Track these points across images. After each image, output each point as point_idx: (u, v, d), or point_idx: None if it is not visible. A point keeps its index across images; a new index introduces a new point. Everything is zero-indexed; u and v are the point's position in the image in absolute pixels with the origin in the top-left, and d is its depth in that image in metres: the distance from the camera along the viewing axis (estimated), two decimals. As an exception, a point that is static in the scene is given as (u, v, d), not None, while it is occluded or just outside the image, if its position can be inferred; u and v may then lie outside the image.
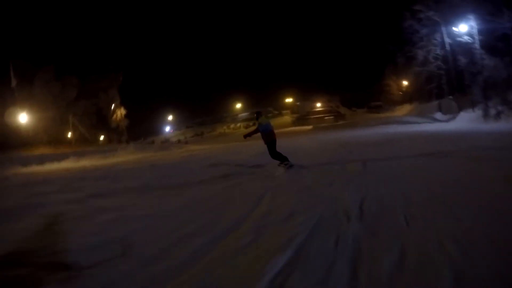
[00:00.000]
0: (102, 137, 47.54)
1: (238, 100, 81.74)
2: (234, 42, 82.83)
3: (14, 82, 33.09)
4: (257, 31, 79.45)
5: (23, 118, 34.43)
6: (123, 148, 28.05)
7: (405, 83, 47.67)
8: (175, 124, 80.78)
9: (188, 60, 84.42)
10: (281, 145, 9.09)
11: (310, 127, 46.07)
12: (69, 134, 41.13)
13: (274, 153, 8.36)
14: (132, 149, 27.09)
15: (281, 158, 8.28)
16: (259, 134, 8.81)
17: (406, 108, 39.20)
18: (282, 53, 76.78)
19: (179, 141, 51.56)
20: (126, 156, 23.87)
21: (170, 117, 77.23)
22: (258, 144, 11.84)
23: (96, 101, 45.95)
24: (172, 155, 20.75)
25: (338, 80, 63.25)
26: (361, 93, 58.24)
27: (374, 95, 55.34)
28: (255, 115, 9.00)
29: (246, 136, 9.17)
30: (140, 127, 71.70)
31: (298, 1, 75.67)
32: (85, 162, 21.64)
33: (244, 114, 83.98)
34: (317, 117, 56.67)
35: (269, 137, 8.43)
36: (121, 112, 49.33)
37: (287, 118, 68.35)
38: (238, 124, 76.28)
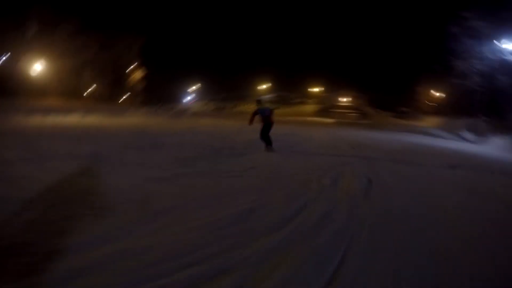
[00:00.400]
0: (122, 97, 47.64)
1: (265, 81, 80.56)
2: (271, 21, 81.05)
3: (32, 30, 32.86)
4: (299, 13, 77.29)
5: (38, 67, 34.01)
6: (134, 109, 27.69)
7: (436, 94, 46.00)
8: (199, 95, 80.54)
9: (221, 32, 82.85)
10: (293, 132, 11.84)
11: (332, 120, 45.15)
12: (84, 89, 40.99)
13: (264, 136, 9.38)
14: (144, 112, 26.64)
15: (267, 142, 9.33)
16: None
17: (432, 120, 37.65)
18: (317, 40, 74.85)
19: (196, 112, 51.57)
20: (134, 118, 23.59)
21: (194, 87, 76.78)
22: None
23: (116, 59, 45.16)
24: (175, 125, 19.80)
25: (369, 78, 61.22)
26: (390, 96, 56.22)
27: (403, 100, 53.40)
28: (256, 102, 10.53)
29: (250, 123, 9.87)
30: (161, 92, 72.08)
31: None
32: (92, 119, 21.33)
33: (268, 96, 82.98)
34: (341, 112, 55.47)
35: (265, 121, 9.43)
36: (139, 73, 48.96)
37: (311, 107, 67.11)
38: (261, 105, 75.41)
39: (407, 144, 15.29)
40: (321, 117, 53.67)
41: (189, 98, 77.29)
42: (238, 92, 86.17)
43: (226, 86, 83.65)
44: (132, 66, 47.95)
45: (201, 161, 7.56)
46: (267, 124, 9.41)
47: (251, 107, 54.84)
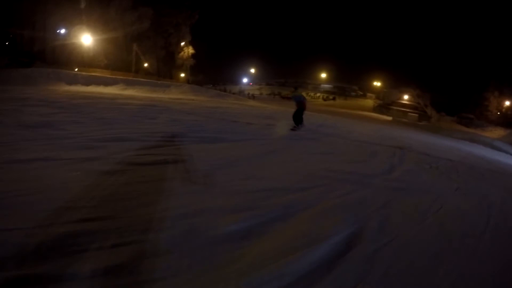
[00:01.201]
0: (170, 74, 48.34)
1: (325, 70, 79.50)
2: (335, 8, 78.71)
3: (83, 3, 34.03)
4: (363, 3, 74.50)
5: (87, 39, 34.65)
6: (177, 86, 27.84)
7: (507, 103, 42.33)
8: (256, 78, 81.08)
9: (283, 16, 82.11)
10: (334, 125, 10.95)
11: (389, 118, 43.46)
12: (134, 64, 41.32)
13: (296, 117, 10.46)
14: (187, 89, 26.50)
15: (296, 122, 10.40)
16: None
17: (498, 132, 34.62)
18: (385, 33, 71.48)
19: (249, 94, 51.93)
20: (175, 95, 23.36)
21: (252, 70, 77.29)
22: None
23: (167, 36, 46.22)
24: (215, 104, 18.32)
25: (435, 78, 57.61)
26: (455, 100, 52.41)
27: (469, 106, 49.42)
28: (294, 88, 11.74)
29: (284, 97, 12.60)
30: (218, 73, 73.45)
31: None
32: (131, 92, 21.51)
33: (327, 86, 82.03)
34: (400, 110, 53.13)
35: (298, 105, 10.55)
36: (188, 50, 49.12)
37: (369, 102, 65.82)
38: (318, 94, 75.19)
39: (467, 155, 13.51)
40: (379, 113, 52.09)
41: (245, 80, 78.13)
42: (296, 79, 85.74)
43: (284, 72, 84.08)
44: (183, 44, 48.30)
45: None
46: (300, 108, 10.47)
47: (309, 94, 55.37)
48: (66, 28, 35.04)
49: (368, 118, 33.77)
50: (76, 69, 30.73)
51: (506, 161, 15.11)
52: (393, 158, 7.97)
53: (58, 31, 35.40)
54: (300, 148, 7.55)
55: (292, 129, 10.17)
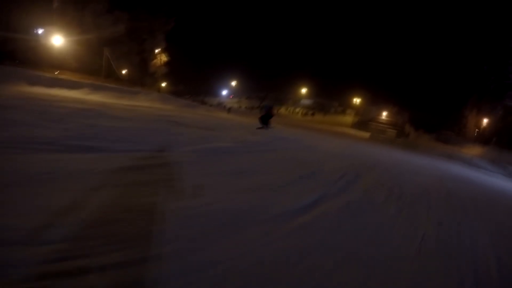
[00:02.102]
0: (142, 80, 45.94)
1: (306, 85, 78.88)
2: (317, 25, 78.83)
3: (55, 4, 32.50)
4: (344, 21, 74.75)
5: (57, 40, 33.24)
6: (146, 94, 26.55)
7: (485, 120, 41.87)
8: (236, 91, 80.00)
9: (265, 30, 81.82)
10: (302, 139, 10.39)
11: (367, 135, 42.62)
12: (105, 68, 39.78)
13: (263, 119, 11.28)
14: (156, 97, 25.58)
15: (263, 123, 11.18)
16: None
17: (476, 149, 33.76)
18: (366, 50, 71.57)
19: (225, 107, 50.25)
20: (141, 102, 22.36)
21: (233, 83, 76.14)
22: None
23: (141, 42, 44.69)
24: (172, 113, 15.69)
25: (413, 95, 57.20)
26: (433, 117, 52.01)
27: (447, 123, 48.81)
28: (261, 100, 14.47)
29: (252, 108, 13.33)
30: (199, 85, 72.00)
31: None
32: (95, 97, 20.39)
33: (307, 101, 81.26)
34: (378, 127, 52.64)
35: (266, 111, 11.47)
36: (162, 58, 47.74)
37: (349, 118, 65.54)
38: (297, 109, 74.47)
39: (445, 175, 11.96)
40: (357, 129, 51.75)
41: (225, 92, 76.79)
42: (277, 94, 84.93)
43: (265, 86, 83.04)
44: (157, 51, 46.92)
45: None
46: (267, 114, 11.53)
47: (289, 109, 54.51)
48: (41, 29, 33.15)
49: (344, 134, 32.84)
50: (57, 72, 30.20)
51: (489, 181, 13.87)
52: (339, 181, 6.04)
53: (34, 31, 33.35)
54: (204, 165, 5.53)
55: (258, 128, 10.96)
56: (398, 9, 70.25)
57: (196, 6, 66.47)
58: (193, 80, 67.25)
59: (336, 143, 16.72)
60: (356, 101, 71.22)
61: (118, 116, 9.72)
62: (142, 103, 21.86)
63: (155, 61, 47.14)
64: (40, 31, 32.84)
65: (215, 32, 76.89)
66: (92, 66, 38.02)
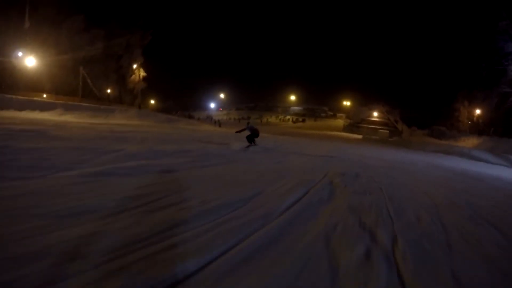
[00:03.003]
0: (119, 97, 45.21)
1: (294, 93, 78.51)
2: (302, 32, 78.23)
3: (26, 24, 31.21)
4: (332, 26, 74.27)
5: (30, 61, 31.80)
6: (123, 111, 25.53)
7: (477, 111, 41.06)
8: (225, 103, 79.27)
9: (250, 39, 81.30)
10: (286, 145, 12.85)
11: (359, 136, 41.57)
12: (82, 88, 38.58)
13: (249, 138, 11.53)
14: (133, 114, 24.56)
15: (249, 141, 11.44)
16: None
17: (471, 141, 32.61)
18: (348, 52, 70.82)
19: (213, 120, 48.97)
20: (117, 120, 21.50)
21: (221, 95, 75.32)
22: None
23: (117, 58, 43.58)
24: (142, 129, 14.77)
25: (403, 92, 56.68)
26: (425, 113, 51.14)
27: (440, 118, 47.82)
28: (247, 123, 12.76)
29: (238, 132, 12.46)
30: (188, 99, 71.15)
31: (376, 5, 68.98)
32: (69, 117, 19.49)
33: (297, 108, 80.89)
34: (370, 127, 51.68)
35: (251, 131, 11.60)
36: (140, 73, 46.42)
37: (340, 121, 65.37)
38: (288, 117, 74.26)
39: (448, 173, 10.47)
40: (349, 132, 51.07)
41: (213, 105, 75.81)
42: (266, 103, 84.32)
43: (254, 96, 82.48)
44: (135, 66, 45.72)
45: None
46: (253, 134, 11.65)
47: (279, 117, 53.80)
48: (17, 51, 31.70)
49: (336, 138, 31.68)
50: (45, 95, 30.03)
51: (485, 172, 12.41)
52: (295, 191, 4.34)
53: (11, 54, 31.71)
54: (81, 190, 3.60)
55: (247, 147, 10.90)
56: (382, 6, 70.11)
57: (178, 19, 66.02)
58: (181, 96, 66.99)
59: (323, 148, 15.14)
60: (346, 104, 70.75)
61: (59, 136, 8.23)
62: (117, 120, 20.88)
63: (133, 77, 45.89)
64: (18, 53, 31.64)
65: (199, 45, 76.36)
66: (68, 86, 36.95)
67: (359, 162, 10.22)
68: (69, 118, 18.81)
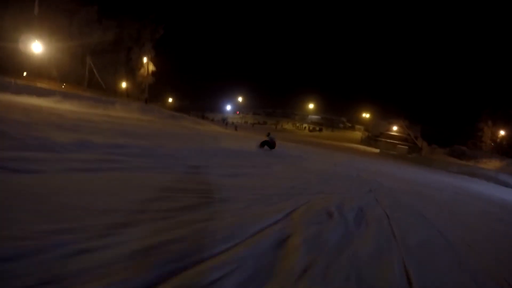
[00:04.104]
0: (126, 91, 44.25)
1: (313, 101, 77.10)
2: (324, 40, 77.30)
3: (36, 10, 30.81)
4: (353, 36, 72.82)
5: (37, 47, 31.08)
6: (124, 104, 24.61)
7: (502, 132, 39.29)
8: (243, 107, 78.54)
9: (272, 45, 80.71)
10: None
11: (377, 150, 40.07)
12: (85, 78, 38.14)
13: (270, 145, 11.47)
14: (134, 108, 23.61)
15: (270, 147, 11.53)
16: None
17: (493, 163, 30.92)
18: (371, 64, 69.26)
19: (226, 122, 48.14)
20: (116, 112, 20.29)
21: (239, 99, 74.64)
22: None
23: (127, 51, 42.82)
24: (133, 123, 13.92)
25: (425, 108, 54.54)
26: (446, 131, 48.97)
27: (461, 137, 45.70)
28: (268, 133, 12.52)
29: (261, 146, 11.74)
30: (205, 101, 70.74)
31: (402, 18, 67.30)
32: (66, 106, 18.14)
33: (315, 117, 79.51)
34: (389, 142, 49.87)
35: (271, 141, 11.60)
36: (149, 67, 45.01)
37: (358, 134, 63.96)
38: (304, 125, 73.13)
39: (491, 206, 8.12)
40: (366, 145, 49.47)
41: (229, 107, 75.13)
42: (284, 110, 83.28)
43: (272, 102, 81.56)
44: (145, 60, 44.59)
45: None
46: (272, 144, 11.59)
47: (296, 125, 52.81)
48: (28, 37, 31.34)
49: (351, 150, 30.16)
50: (49, 82, 28.99)
51: None
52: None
53: (21, 40, 31.54)
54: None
55: (265, 150, 11.22)
56: (408, 21, 68.53)
57: (199, 20, 65.92)
58: (199, 97, 66.93)
59: (331, 159, 13.81)
60: (365, 116, 68.93)
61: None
62: (116, 113, 19.57)
63: (142, 70, 44.83)
64: (30, 41, 31.28)
65: (220, 48, 76.08)
66: (75, 76, 36.40)
67: (371, 182, 7.62)
68: (64, 106, 17.84)
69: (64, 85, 30.92)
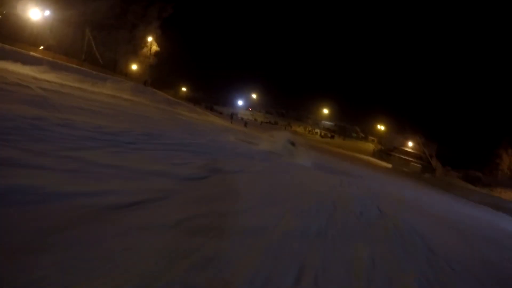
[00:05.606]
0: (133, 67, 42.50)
1: (328, 106, 74.65)
2: (345, 48, 75.13)
3: None
4: (374, 46, 70.22)
5: (35, 14, 29.60)
6: (116, 81, 23.24)
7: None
8: (256, 105, 76.80)
9: (291, 46, 78.57)
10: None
11: (389, 165, 37.90)
12: (83, 51, 36.08)
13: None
14: (127, 87, 22.16)
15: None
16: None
17: (510, 194, 29.02)
18: (394, 77, 66.63)
19: (233, 116, 46.28)
20: (105, 89, 18.70)
21: (253, 95, 72.96)
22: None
23: (131, 27, 40.44)
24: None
25: (443, 127, 51.81)
26: (463, 154, 45.96)
27: (477, 162, 43.30)
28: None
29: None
30: (216, 93, 69.12)
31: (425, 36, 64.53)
32: (50, 76, 16.97)
33: (328, 123, 77.37)
34: (402, 158, 47.26)
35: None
36: (151, 47, 42.65)
37: (370, 145, 61.79)
38: (316, 130, 71.05)
39: None
40: (378, 158, 47.26)
41: (240, 102, 73.43)
42: (297, 112, 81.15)
43: (286, 102, 79.48)
44: (150, 39, 42.48)
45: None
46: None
47: (307, 129, 50.48)
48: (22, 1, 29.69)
49: (361, 161, 28.14)
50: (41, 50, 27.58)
51: None
52: None
53: (19, 6, 29.90)
54: None
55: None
56: (431, 35, 65.80)
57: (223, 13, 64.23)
58: (212, 89, 65.72)
59: (341, 173, 11.95)
60: (380, 128, 66.13)
61: None
62: (104, 90, 17.89)
63: (145, 50, 42.58)
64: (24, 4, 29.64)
65: (236, 39, 74.19)
66: (72, 48, 34.64)
67: (403, 227, 4.91)
68: (48, 77, 16.13)
69: (56, 56, 28.96)
